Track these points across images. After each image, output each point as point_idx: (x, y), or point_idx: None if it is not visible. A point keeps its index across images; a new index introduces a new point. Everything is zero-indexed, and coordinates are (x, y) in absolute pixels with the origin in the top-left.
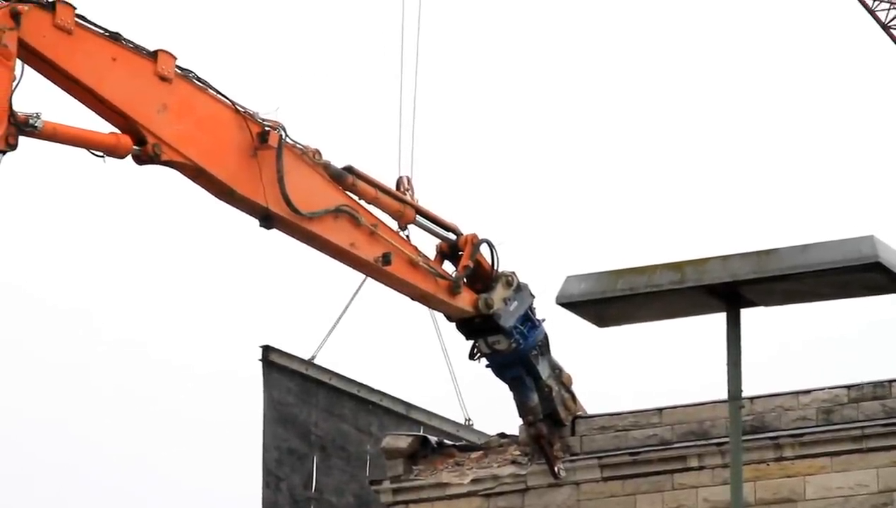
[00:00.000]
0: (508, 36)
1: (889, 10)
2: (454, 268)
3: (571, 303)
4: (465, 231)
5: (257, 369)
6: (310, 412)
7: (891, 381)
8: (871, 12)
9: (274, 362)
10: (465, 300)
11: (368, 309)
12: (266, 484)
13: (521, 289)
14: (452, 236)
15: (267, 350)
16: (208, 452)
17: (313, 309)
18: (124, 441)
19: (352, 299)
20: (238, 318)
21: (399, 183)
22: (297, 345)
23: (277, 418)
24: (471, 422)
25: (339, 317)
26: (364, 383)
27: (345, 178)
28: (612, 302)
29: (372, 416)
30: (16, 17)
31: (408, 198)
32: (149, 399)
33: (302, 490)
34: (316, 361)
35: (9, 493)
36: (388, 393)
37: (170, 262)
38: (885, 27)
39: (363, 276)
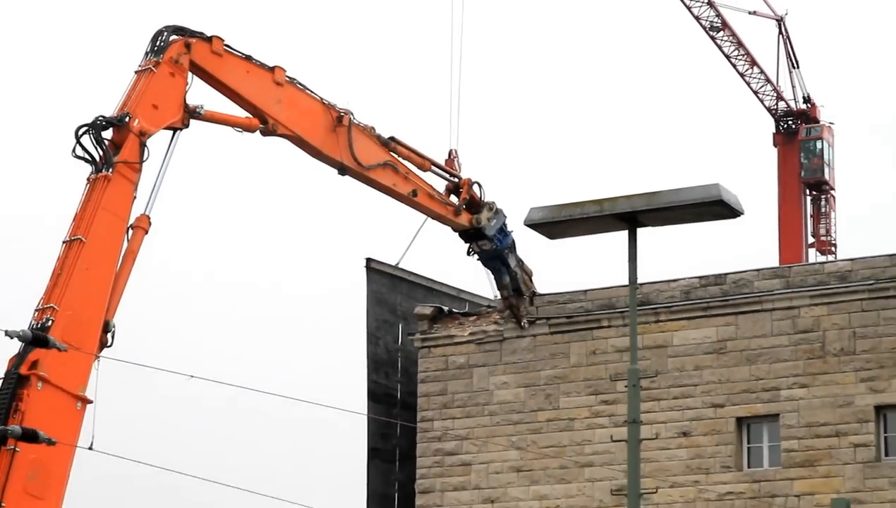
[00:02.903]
0: (539, 35)
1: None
2: (457, 200)
3: (533, 225)
4: (464, 176)
5: (362, 273)
6: (396, 296)
7: (726, 274)
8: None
9: (373, 267)
10: (463, 219)
11: (431, 231)
12: (369, 342)
13: (498, 212)
14: (455, 179)
15: (369, 260)
16: (332, 331)
17: (395, 233)
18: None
19: (421, 226)
20: (346, 240)
21: (450, 153)
22: (387, 256)
23: (376, 301)
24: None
25: (413, 238)
26: (431, 277)
27: (389, 144)
28: (558, 224)
29: (436, 297)
30: (188, 46)
31: (428, 155)
32: (288, 301)
33: (393, 344)
34: (400, 265)
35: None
36: (446, 282)
37: (289, 209)
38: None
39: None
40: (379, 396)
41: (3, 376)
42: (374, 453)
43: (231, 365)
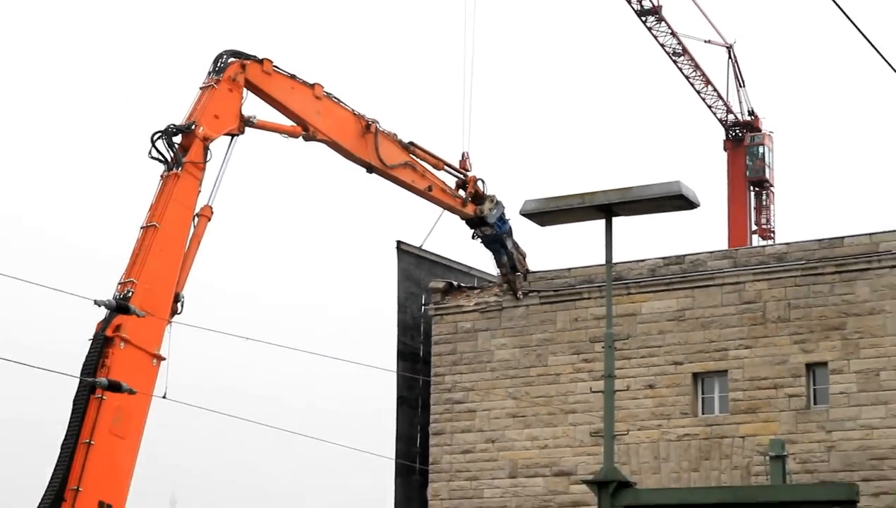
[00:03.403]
0: (543, 40)
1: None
2: (464, 193)
3: (527, 214)
4: (471, 174)
5: (393, 254)
6: (420, 272)
7: (685, 255)
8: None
9: (403, 248)
10: (470, 209)
11: (449, 219)
12: (399, 311)
13: (498, 203)
14: (463, 176)
15: (399, 242)
16: (369, 303)
17: (420, 220)
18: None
19: (440, 216)
20: (379, 226)
21: (463, 154)
22: (414, 238)
23: (405, 277)
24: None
25: (434, 225)
26: (448, 257)
27: (409, 147)
28: (548, 213)
29: (451, 274)
30: (243, 67)
31: (441, 156)
32: (327, 274)
33: (417, 312)
34: (424, 247)
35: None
36: (460, 260)
37: (330, 201)
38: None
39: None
40: (406, 355)
41: (92, 337)
42: (401, 401)
43: (282, 326)
